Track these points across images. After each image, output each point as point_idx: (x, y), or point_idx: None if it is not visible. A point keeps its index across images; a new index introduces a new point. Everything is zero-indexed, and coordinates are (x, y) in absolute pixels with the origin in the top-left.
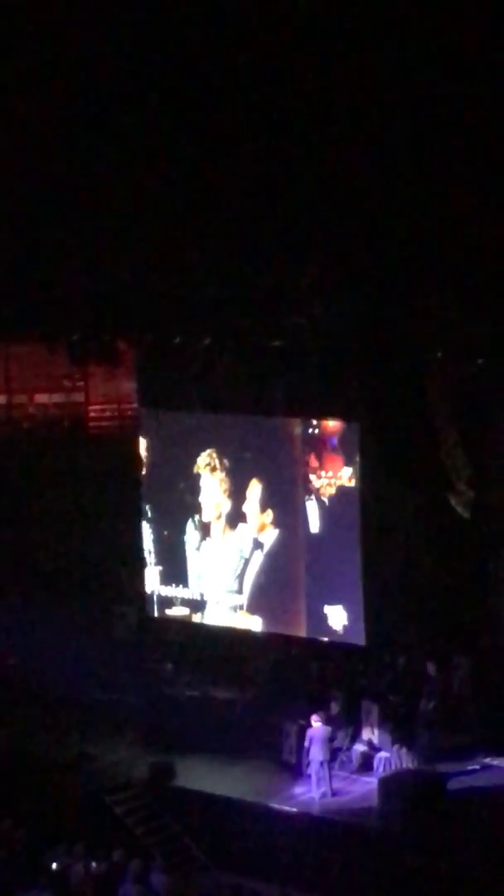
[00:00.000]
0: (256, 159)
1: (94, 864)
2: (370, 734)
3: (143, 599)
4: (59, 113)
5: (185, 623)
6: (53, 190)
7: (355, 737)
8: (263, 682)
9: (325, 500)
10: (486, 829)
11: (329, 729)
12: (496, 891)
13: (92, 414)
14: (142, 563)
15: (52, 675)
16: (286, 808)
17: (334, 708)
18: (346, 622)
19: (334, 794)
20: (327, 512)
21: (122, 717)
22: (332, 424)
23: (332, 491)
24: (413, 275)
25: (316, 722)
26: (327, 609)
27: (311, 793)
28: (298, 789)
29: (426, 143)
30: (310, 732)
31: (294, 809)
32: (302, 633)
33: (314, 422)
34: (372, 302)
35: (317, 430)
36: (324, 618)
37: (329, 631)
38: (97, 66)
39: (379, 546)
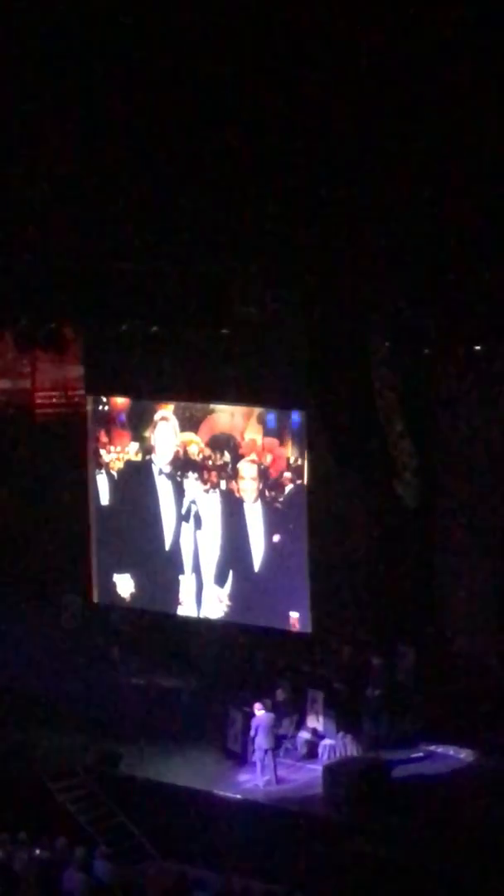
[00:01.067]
0: (207, 145)
1: (37, 852)
2: (315, 722)
3: (89, 586)
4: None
5: (130, 610)
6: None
7: (300, 724)
8: (208, 669)
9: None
10: (430, 815)
11: (273, 716)
12: (439, 876)
13: (38, 401)
14: (87, 550)
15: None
16: (231, 795)
17: (280, 695)
18: (298, 613)
19: (279, 781)
20: None
21: (66, 705)
22: (121, 402)
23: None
24: (359, 264)
25: (259, 710)
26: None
27: (255, 780)
28: (243, 777)
29: (371, 127)
30: (254, 720)
31: (239, 797)
32: (249, 620)
33: (104, 399)
34: (319, 291)
35: (106, 408)
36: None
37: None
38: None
39: (325, 535)
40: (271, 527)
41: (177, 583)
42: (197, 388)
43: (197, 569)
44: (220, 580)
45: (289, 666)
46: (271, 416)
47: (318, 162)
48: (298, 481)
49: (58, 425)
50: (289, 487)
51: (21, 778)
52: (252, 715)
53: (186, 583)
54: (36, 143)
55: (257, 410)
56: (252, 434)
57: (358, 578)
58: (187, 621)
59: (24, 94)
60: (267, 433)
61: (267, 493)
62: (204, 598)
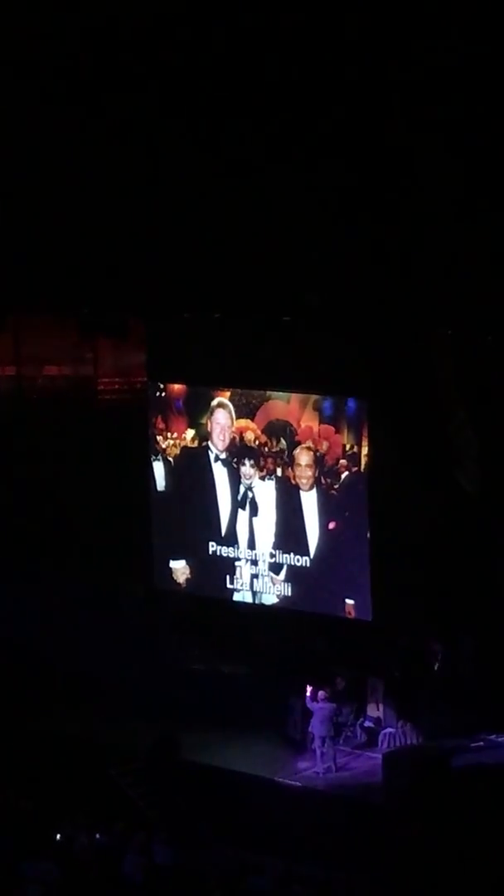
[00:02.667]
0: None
1: (97, 836)
2: (375, 710)
3: (151, 573)
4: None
5: (189, 596)
6: (65, 163)
7: (360, 713)
8: (269, 656)
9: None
10: (490, 804)
11: (334, 705)
12: (497, 866)
13: (101, 387)
14: (147, 536)
15: (58, 649)
16: (290, 782)
17: (340, 684)
18: (354, 600)
19: (338, 769)
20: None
21: (127, 691)
22: (178, 388)
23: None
24: (422, 249)
25: (322, 698)
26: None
27: (315, 768)
28: (303, 764)
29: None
30: (315, 707)
31: (298, 784)
32: (305, 607)
33: (161, 385)
34: (380, 278)
35: (163, 394)
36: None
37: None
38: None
39: (385, 523)
40: (327, 514)
41: (233, 569)
42: (258, 375)
43: (253, 555)
44: (276, 567)
45: (349, 654)
46: (328, 404)
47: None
48: (354, 468)
49: (119, 411)
50: (345, 475)
51: (82, 763)
52: (313, 702)
53: (242, 569)
54: (99, 129)
55: (314, 397)
56: (308, 421)
57: (418, 566)
58: (247, 608)
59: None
60: (323, 420)
61: (323, 480)
62: (259, 585)
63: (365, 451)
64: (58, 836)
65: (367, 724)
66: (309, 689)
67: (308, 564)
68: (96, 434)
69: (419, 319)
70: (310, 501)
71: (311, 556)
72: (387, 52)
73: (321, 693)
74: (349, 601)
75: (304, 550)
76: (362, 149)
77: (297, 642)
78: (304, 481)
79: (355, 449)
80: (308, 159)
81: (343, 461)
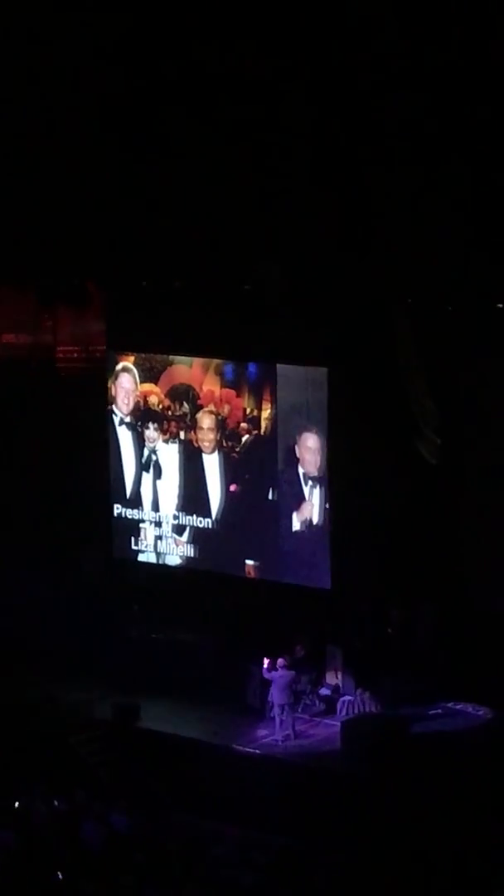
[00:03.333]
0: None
1: (56, 804)
2: (334, 678)
3: (110, 541)
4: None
5: (151, 565)
6: (24, 133)
7: (319, 681)
8: (228, 624)
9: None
10: (447, 772)
11: (293, 673)
12: (455, 833)
13: (60, 355)
14: (109, 505)
15: (17, 618)
16: (249, 750)
17: (299, 652)
18: (255, 560)
19: (297, 736)
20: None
21: (86, 659)
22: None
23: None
24: (383, 216)
25: (281, 666)
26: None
27: (274, 735)
28: (262, 732)
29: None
30: (274, 675)
31: (257, 752)
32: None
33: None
34: (342, 248)
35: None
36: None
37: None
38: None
39: (346, 491)
40: (229, 476)
41: (137, 531)
42: (219, 345)
43: (156, 517)
44: (179, 529)
45: (308, 622)
46: (229, 368)
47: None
48: (255, 431)
49: (78, 380)
50: (245, 438)
51: (41, 731)
52: (272, 670)
53: (146, 531)
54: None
55: (215, 362)
56: (210, 385)
57: (379, 534)
58: (206, 576)
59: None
60: (225, 384)
61: (224, 443)
62: (163, 546)
63: (265, 414)
64: (16, 804)
65: (325, 692)
66: (266, 661)
67: (210, 526)
68: (55, 402)
69: (380, 288)
70: (212, 464)
71: (214, 517)
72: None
73: (280, 661)
74: (249, 562)
75: (206, 512)
76: (323, 116)
77: (257, 611)
78: (206, 444)
79: (255, 412)
80: (267, 128)
81: (244, 425)
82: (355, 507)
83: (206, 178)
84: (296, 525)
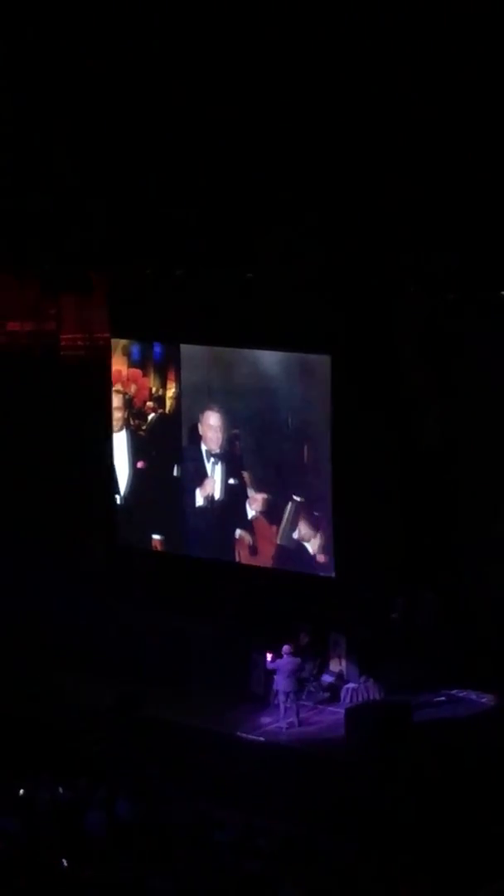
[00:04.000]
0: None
1: (60, 791)
2: (338, 665)
3: (113, 528)
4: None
5: (154, 552)
6: (28, 119)
7: (323, 668)
8: (231, 612)
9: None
10: (451, 759)
11: (297, 660)
12: (459, 820)
13: (64, 343)
14: (112, 492)
15: (20, 606)
16: (253, 737)
17: (304, 639)
18: (161, 535)
19: (301, 724)
20: None
21: (89, 647)
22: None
23: None
24: (386, 205)
25: (286, 653)
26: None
27: (278, 723)
28: (266, 719)
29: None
30: (279, 663)
31: (261, 739)
32: (270, 563)
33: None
34: (344, 233)
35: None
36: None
37: (299, 563)
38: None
39: (348, 479)
40: (136, 454)
41: None
42: (223, 331)
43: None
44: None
45: (312, 610)
46: (135, 348)
47: (343, 106)
48: (160, 410)
49: (82, 367)
50: (151, 416)
51: (44, 719)
52: (276, 658)
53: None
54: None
55: (123, 342)
56: (118, 365)
57: (381, 523)
58: (210, 564)
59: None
60: (131, 364)
61: (132, 421)
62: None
63: (170, 393)
64: (20, 792)
65: (329, 679)
66: (269, 655)
67: (119, 502)
68: (59, 390)
69: (383, 276)
70: (120, 442)
71: (122, 494)
72: None
73: (286, 647)
74: (155, 536)
75: (115, 489)
76: (326, 99)
77: (260, 598)
78: (114, 423)
79: (161, 391)
80: (270, 113)
81: (150, 403)
82: (359, 495)
83: (208, 165)
84: (199, 501)
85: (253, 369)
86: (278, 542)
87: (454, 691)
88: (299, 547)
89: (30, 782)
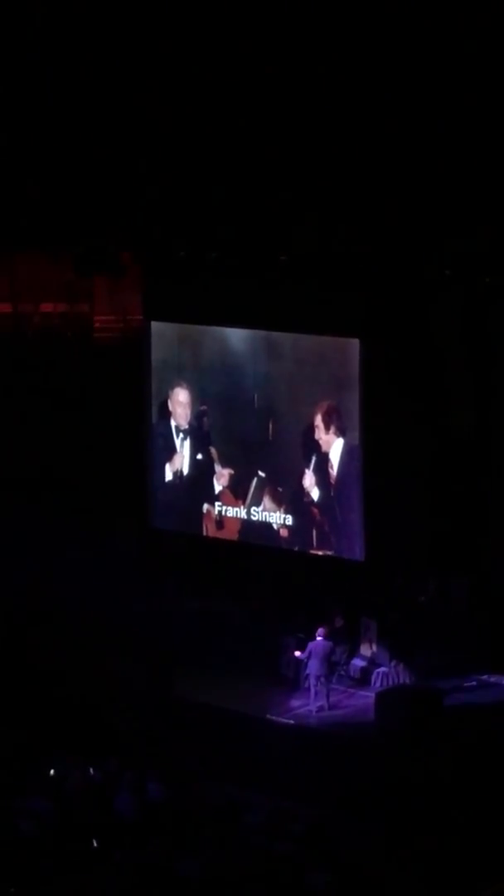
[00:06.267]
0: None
1: (91, 772)
2: (369, 650)
3: (146, 511)
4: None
5: (186, 535)
6: (61, 101)
7: (354, 652)
8: (263, 595)
9: None
10: (482, 743)
11: (330, 644)
12: (489, 806)
13: (97, 324)
14: (145, 475)
15: (53, 587)
16: (283, 720)
17: (338, 622)
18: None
19: (332, 707)
20: None
21: (121, 629)
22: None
23: None
24: (420, 188)
25: (319, 636)
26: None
27: (308, 706)
28: (296, 702)
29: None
30: (311, 646)
31: (291, 722)
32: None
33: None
34: (379, 217)
35: None
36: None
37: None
38: None
39: (380, 462)
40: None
41: None
42: (255, 314)
43: None
44: None
45: (343, 593)
46: None
47: (378, 90)
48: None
49: (115, 349)
50: None
51: (76, 700)
52: (307, 640)
53: None
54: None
55: None
56: None
57: (413, 507)
58: (242, 547)
59: None
60: None
61: None
62: None
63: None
64: (51, 773)
65: (360, 663)
66: (297, 652)
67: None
68: (92, 371)
69: (418, 259)
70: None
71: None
72: None
73: (319, 630)
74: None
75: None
76: (361, 83)
77: (293, 582)
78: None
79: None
80: (305, 94)
81: None
82: (390, 479)
83: (242, 147)
84: (168, 475)
85: (221, 346)
86: (243, 516)
87: (484, 676)
88: (263, 521)
89: (60, 763)
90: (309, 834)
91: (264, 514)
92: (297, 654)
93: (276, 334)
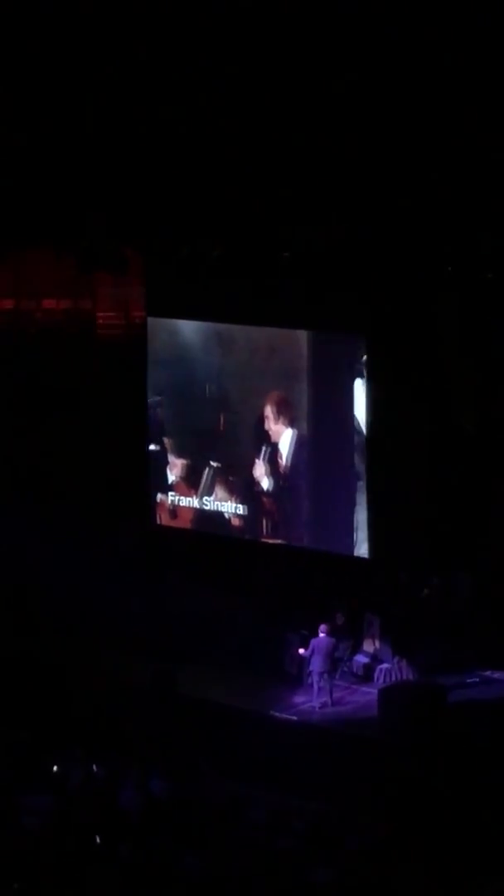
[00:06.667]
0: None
1: (94, 768)
2: (372, 646)
3: (149, 508)
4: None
5: (190, 532)
6: (63, 96)
7: (357, 648)
8: (266, 592)
9: None
10: (484, 740)
11: (333, 640)
12: (491, 802)
13: (100, 321)
14: (147, 472)
15: (57, 584)
16: (286, 716)
17: (340, 619)
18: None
19: (334, 703)
20: None
21: (125, 626)
22: None
23: None
24: (423, 186)
25: (322, 633)
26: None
27: (311, 702)
28: (299, 698)
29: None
30: (314, 642)
31: (294, 718)
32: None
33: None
34: (382, 214)
35: None
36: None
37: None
38: None
39: (385, 460)
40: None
41: None
42: (258, 311)
43: None
44: None
45: (346, 590)
46: None
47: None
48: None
49: (117, 346)
50: None
51: (79, 696)
52: (310, 637)
53: None
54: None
55: None
56: None
57: (416, 504)
58: (245, 543)
59: None
60: None
61: None
62: None
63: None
64: (55, 769)
65: (363, 659)
66: (301, 650)
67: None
68: (94, 368)
69: (420, 257)
70: None
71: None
72: None
73: (322, 626)
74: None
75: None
76: (365, 81)
77: (296, 579)
78: None
79: None
80: (309, 91)
81: None
82: (394, 477)
83: (245, 144)
84: None
85: (173, 339)
86: (196, 505)
87: (487, 672)
88: (216, 510)
89: (64, 759)
90: (312, 830)
91: (216, 503)
92: (301, 650)
93: (227, 326)
